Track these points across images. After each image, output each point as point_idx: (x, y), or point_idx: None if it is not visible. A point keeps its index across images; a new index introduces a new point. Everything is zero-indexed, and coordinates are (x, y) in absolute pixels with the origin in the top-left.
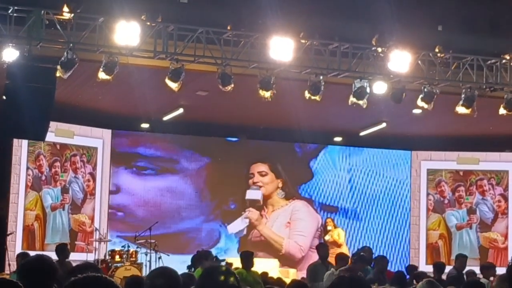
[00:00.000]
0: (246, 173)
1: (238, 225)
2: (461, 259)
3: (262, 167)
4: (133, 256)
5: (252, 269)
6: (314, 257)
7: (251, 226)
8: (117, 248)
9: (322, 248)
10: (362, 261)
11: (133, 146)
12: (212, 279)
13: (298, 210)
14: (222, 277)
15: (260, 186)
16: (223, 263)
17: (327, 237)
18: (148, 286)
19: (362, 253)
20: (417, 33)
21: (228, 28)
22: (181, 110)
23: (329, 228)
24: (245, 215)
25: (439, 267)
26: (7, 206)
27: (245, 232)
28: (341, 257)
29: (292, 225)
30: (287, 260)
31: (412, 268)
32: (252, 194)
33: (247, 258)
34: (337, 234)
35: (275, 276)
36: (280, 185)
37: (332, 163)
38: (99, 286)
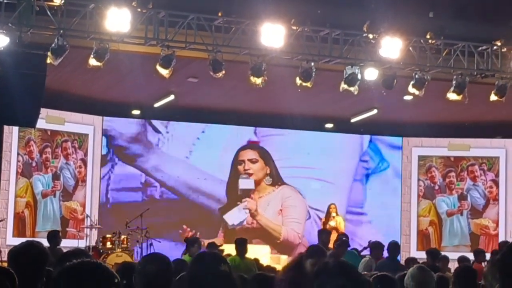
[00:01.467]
0: (234, 159)
1: (237, 216)
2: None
3: (252, 154)
4: (124, 242)
5: (246, 255)
6: (309, 241)
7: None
8: (108, 235)
9: (325, 234)
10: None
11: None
12: (203, 265)
13: (289, 197)
14: (213, 264)
15: (251, 174)
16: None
17: (332, 223)
18: (139, 272)
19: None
20: (408, 19)
21: (219, 14)
22: (172, 97)
23: (333, 214)
24: (244, 205)
25: (432, 253)
26: None
27: (245, 223)
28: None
29: (284, 212)
30: (284, 247)
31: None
32: (245, 183)
33: (241, 245)
34: (339, 222)
35: (265, 263)
36: (268, 171)
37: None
38: (94, 272)
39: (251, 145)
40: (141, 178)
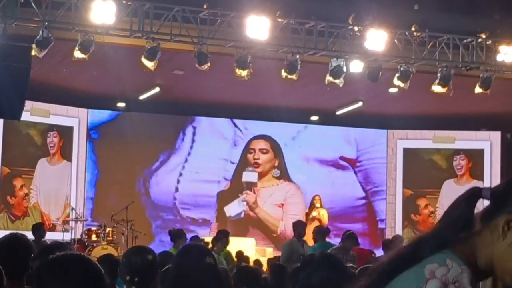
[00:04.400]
0: (245, 147)
1: (235, 208)
2: None
3: (264, 144)
4: (110, 235)
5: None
6: None
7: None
8: (94, 228)
9: (301, 225)
10: (352, 239)
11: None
12: (188, 257)
13: (294, 194)
14: (199, 256)
15: (259, 164)
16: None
17: (314, 213)
18: (124, 265)
19: (351, 232)
20: (393, 12)
21: (205, 6)
22: (157, 89)
23: (317, 205)
24: (243, 197)
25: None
26: None
27: (242, 215)
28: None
29: (286, 208)
30: (281, 242)
31: None
32: (249, 176)
33: (225, 237)
34: (322, 214)
35: (250, 255)
36: (276, 163)
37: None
38: (76, 264)
39: (264, 136)
40: None
